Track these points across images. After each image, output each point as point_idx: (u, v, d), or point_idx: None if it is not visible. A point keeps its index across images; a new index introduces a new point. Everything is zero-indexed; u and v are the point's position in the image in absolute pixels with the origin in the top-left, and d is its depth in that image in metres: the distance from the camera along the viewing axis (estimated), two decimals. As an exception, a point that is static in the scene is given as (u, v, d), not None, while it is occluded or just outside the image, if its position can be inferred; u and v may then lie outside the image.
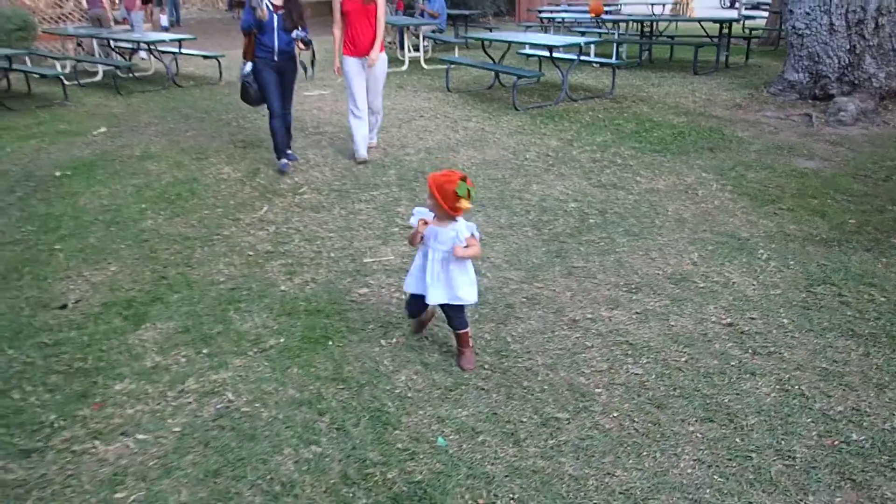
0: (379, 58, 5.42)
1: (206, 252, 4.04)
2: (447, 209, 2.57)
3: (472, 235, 2.65)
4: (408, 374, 2.81)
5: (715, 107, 7.42)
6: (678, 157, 5.67)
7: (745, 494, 2.16)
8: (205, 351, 3.01)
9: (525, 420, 2.53)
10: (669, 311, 3.27)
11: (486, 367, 2.85)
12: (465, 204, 2.56)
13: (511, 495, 2.17)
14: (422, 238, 2.68)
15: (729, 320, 3.18)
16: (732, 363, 2.85)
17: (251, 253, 4.03)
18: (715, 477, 2.23)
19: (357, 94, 5.48)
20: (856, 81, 6.80)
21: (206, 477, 2.27)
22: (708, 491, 2.18)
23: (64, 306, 3.41)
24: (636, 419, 2.52)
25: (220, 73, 9.82)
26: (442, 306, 2.79)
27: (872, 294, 3.37)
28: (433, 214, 2.64)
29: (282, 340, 3.08)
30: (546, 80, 9.03)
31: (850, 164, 5.38)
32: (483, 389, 2.71)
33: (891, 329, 3.07)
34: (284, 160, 5.48)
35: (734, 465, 2.29)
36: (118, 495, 2.20)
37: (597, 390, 2.69)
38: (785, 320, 3.17)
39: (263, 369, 2.86)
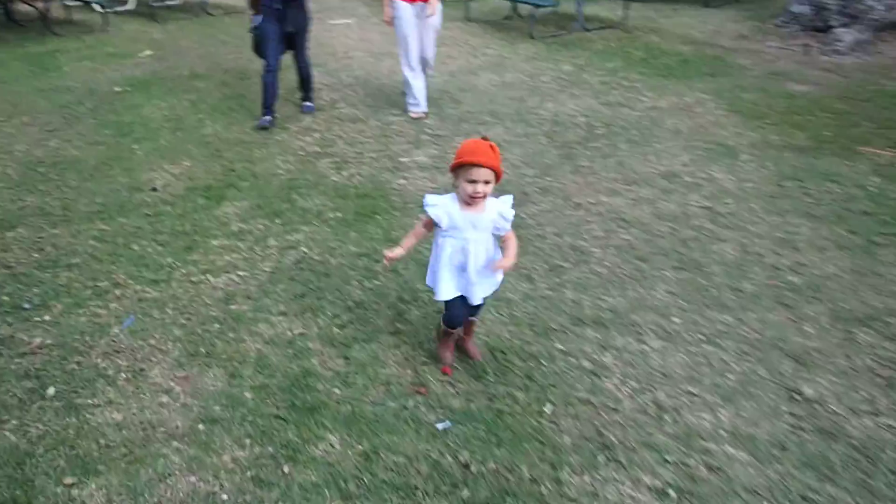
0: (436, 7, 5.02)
1: (264, 152, 4.76)
2: (500, 177, 2.23)
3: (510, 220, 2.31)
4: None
5: (721, 37, 7.93)
6: (681, 81, 6.27)
7: (700, 311, 2.93)
8: (277, 221, 3.77)
9: (537, 267, 3.29)
10: (658, 198, 3.99)
11: (506, 233, 3.60)
12: None
13: (525, 311, 2.95)
14: (434, 226, 2.34)
15: (707, 204, 3.89)
16: (705, 233, 3.58)
17: (302, 153, 4.75)
18: (680, 301, 3.00)
19: (412, 46, 5.10)
20: (855, 13, 7.29)
21: (296, 298, 3.06)
22: (674, 309, 2.95)
23: (154, 189, 4.17)
24: (624, 268, 3.28)
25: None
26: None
27: (831, 187, 4.07)
28: (456, 203, 2.28)
29: (339, 214, 3.83)
30: (561, 11, 9.49)
31: (838, 87, 5.98)
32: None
33: (840, 212, 3.78)
34: (267, 117, 5.19)
35: (696, 295, 3.05)
36: (233, 307, 3.00)
37: (594, 250, 3.44)
38: (754, 205, 3.88)
39: (327, 233, 3.63)
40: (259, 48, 5.14)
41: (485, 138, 2.22)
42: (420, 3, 5.02)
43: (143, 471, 2.14)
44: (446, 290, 2.38)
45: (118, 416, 2.36)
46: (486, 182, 2.19)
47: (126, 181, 4.30)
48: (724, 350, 2.69)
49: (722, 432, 2.29)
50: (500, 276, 2.43)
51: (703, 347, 2.71)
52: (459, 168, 2.21)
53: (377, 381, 2.53)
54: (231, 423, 2.33)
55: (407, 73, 5.26)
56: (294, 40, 5.13)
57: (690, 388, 2.48)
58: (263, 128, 5.15)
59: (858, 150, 4.61)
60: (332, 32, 8.50)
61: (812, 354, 2.65)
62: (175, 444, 2.25)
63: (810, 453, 2.21)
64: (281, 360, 2.65)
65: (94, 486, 2.09)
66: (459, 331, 2.55)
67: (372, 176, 4.35)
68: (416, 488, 2.08)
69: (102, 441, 2.26)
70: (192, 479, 2.12)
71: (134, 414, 2.38)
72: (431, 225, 2.34)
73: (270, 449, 2.23)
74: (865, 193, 3.98)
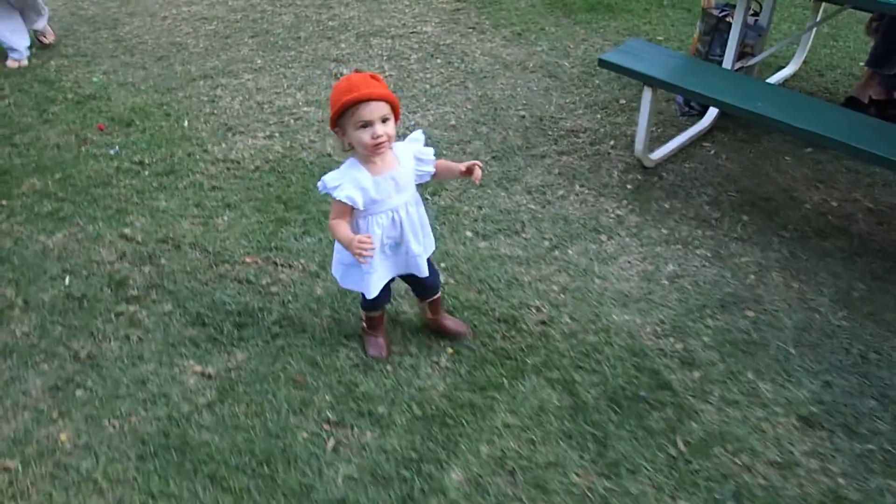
0: None
1: None
2: (398, 117, 1.84)
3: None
4: (54, 61, 4.27)
5: None
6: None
7: (274, 53, 4.30)
8: None
9: (146, 60, 4.27)
10: (228, 0, 5.17)
11: (111, 46, 4.45)
12: None
13: (147, 84, 3.97)
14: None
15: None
16: (268, 14, 4.92)
17: None
18: (259, 52, 4.33)
19: None
20: None
21: (-63, 126, 3.58)
22: (256, 57, 4.27)
23: None
24: (215, 45, 4.46)
25: None
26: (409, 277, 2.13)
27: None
28: (361, 168, 1.83)
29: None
30: None
31: None
32: (114, 56, 4.34)
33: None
34: None
35: (269, 46, 4.40)
36: None
37: (189, 41, 4.53)
38: (299, -10, 5.32)
39: (-65, 83, 4.01)
40: None
41: (357, 70, 1.77)
42: None
43: None
44: (378, 282, 2.00)
45: None
46: (384, 120, 1.76)
47: None
48: (294, 69, 4.14)
49: (301, 105, 3.76)
50: (429, 243, 2.08)
51: (281, 70, 4.12)
52: (341, 117, 1.76)
53: (48, 147, 3.38)
54: (-64, 199, 3.01)
55: None
56: None
57: (276, 90, 3.89)
58: None
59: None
60: None
61: (344, 57, 4.26)
62: None
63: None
64: (-47, 161, 3.29)
65: None
66: (384, 308, 2.23)
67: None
68: (114, 175, 3.12)
69: None
70: (-74, 231, 2.82)
71: None
72: (348, 210, 1.85)
73: (-17, 199, 3.01)
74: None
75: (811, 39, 3.91)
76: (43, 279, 2.58)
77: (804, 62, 3.98)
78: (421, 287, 2.19)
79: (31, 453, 1.97)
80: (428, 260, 2.08)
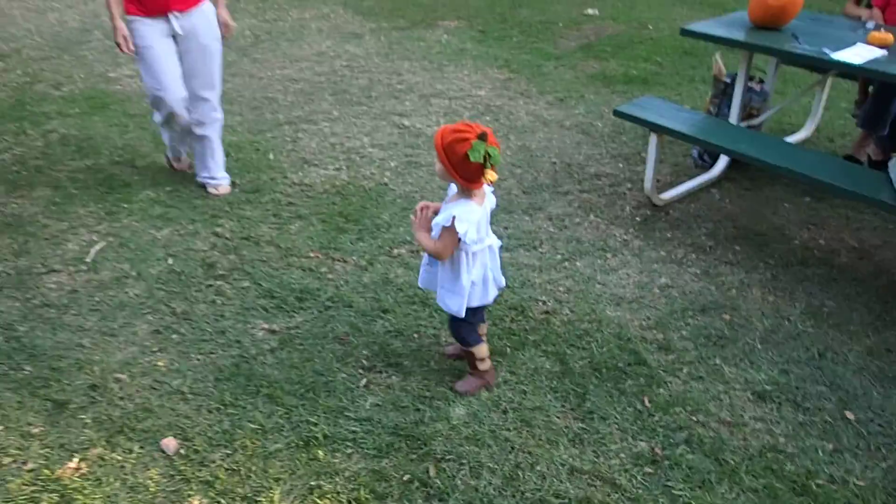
0: (204, 14, 3.51)
1: (-25, 88, 5.67)
2: (460, 180, 2.05)
3: (450, 225, 2.08)
4: (170, 107, 5.18)
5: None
6: (318, 0, 8.45)
7: (348, 107, 5.10)
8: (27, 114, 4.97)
9: (243, 109, 5.14)
10: (314, 66, 6.09)
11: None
12: (488, 175, 2.01)
13: (244, 127, 4.81)
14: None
15: (347, 64, 6.11)
16: (346, 77, 5.77)
17: (14, 85, 5.79)
18: (337, 106, 5.14)
19: (162, 73, 3.43)
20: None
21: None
22: (333, 110, 5.07)
23: None
24: (300, 99, 5.30)
25: None
26: None
27: (420, 44, 6.59)
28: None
29: (77, 110, 5.16)
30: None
31: (425, -8, 8.72)
32: None
33: (425, 54, 6.29)
34: None
35: (345, 102, 5.21)
36: (28, 163, 4.30)
37: (279, 96, 5.40)
38: (376, 60, 6.21)
39: (75, 122, 4.97)
40: None
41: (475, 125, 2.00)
42: (179, 14, 3.37)
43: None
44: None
45: None
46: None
47: None
48: (363, 120, 4.91)
49: (367, 146, 4.49)
50: (448, 299, 2.29)
51: (353, 120, 4.90)
52: None
53: (161, 170, 4.18)
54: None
55: (158, 120, 3.75)
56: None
57: (347, 135, 4.64)
58: None
59: (436, 23, 7.28)
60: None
61: (406, 112, 5.01)
62: (41, 214, 3.67)
63: (407, 143, 4.51)
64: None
65: None
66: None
67: (90, 88, 5.68)
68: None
69: None
70: (65, 222, 3.60)
71: None
72: None
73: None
74: (439, 45, 6.59)
75: (821, 107, 4.39)
76: (151, 259, 3.28)
77: (817, 130, 4.46)
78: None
79: (137, 372, 2.59)
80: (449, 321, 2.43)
